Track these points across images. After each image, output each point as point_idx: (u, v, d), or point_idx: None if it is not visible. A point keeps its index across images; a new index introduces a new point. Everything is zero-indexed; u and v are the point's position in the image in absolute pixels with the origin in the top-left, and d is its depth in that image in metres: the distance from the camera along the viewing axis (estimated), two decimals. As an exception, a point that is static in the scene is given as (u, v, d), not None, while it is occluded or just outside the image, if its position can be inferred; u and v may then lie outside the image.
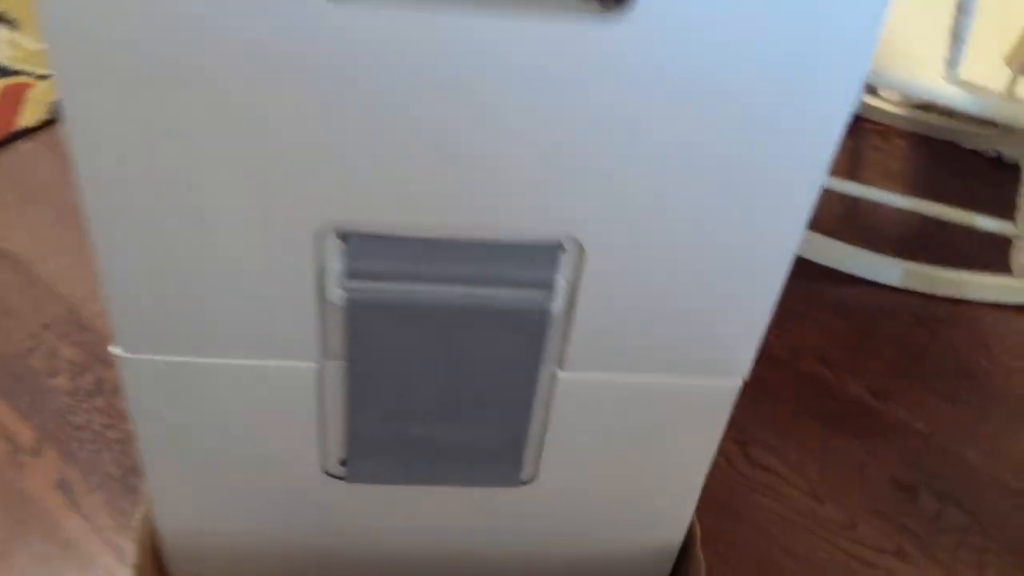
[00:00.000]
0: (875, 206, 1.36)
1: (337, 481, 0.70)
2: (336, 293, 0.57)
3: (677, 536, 0.77)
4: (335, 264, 0.56)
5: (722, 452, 1.04)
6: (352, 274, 0.56)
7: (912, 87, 1.04)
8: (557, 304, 0.59)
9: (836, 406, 1.10)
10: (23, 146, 1.25)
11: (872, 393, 1.12)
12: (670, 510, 0.74)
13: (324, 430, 0.66)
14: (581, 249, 0.56)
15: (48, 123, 1.26)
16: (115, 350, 0.61)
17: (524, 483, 0.71)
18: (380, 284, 0.57)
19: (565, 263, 0.57)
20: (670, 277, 0.58)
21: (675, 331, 0.61)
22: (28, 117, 1.25)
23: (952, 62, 1.00)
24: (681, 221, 0.55)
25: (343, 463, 0.69)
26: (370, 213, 0.53)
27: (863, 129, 1.51)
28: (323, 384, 0.63)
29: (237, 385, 0.63)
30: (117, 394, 0.99)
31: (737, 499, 1.00)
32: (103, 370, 1.01)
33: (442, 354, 0.61)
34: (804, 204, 0.54)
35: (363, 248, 0.55)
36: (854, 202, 1.38)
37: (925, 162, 1.47)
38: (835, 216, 1.36)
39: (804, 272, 1.26)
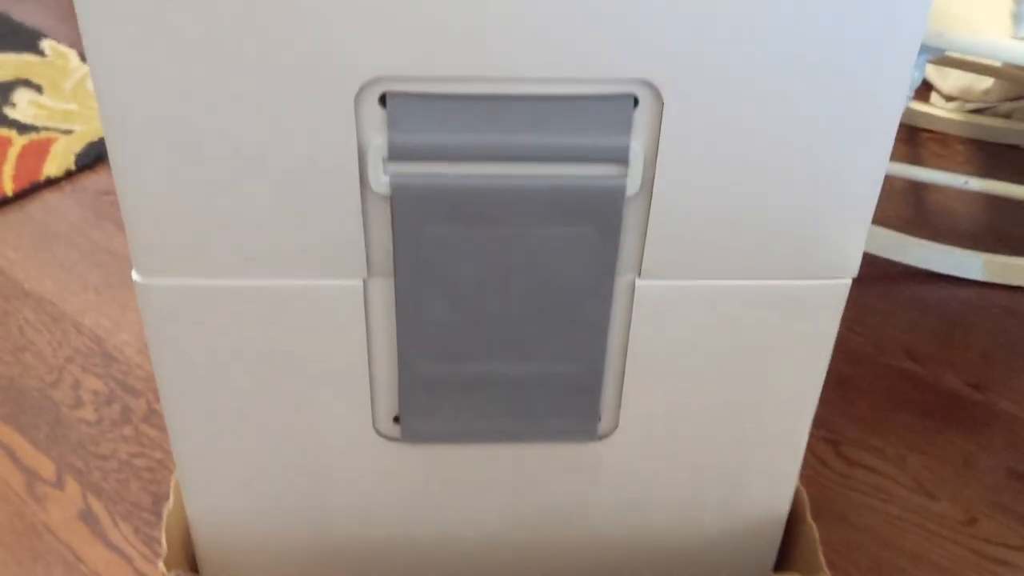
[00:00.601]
0: (945, 203, 1.29)
1: (389, 445, 0.60)
2: (380, 180, 0.50)
3: (784, 500, 0.66)
4: (378, 141, 0.49)
5: (813, 452, 0.94)
6: (396, 153, 0.49)
7: (978, 47, 0.97)
8: (632, 181, 0.51)
9: (933, 399, 0.99)
10: (48, 195, 1.21)
11: (970, 385, 1.01)
12: (775, 464, 0.64)
13: (374, 372, 0.58)
14: (658, 101, 0.48)
15: (71, 174, 1.22)
16: (135, 276, 0.53)
17: (602, 438, 0.61)
18: (427, 165, 0.50)
19: (639, 124, 0.49)
20: (766, 143, 0.50)
21: (773, 219, 0.53)
22: (53, 168, 1.22)
23: (1020, 16, 0.94)
24: (785, 67, 0.47)
25: (396, 420, 0.60)
26: (414, 59, 0.46)
27: (920, 138, 1.44)
28: (370, 309, 0.55)
29: (271, 313, 0.55)
30: (147, 422, 0.91)
31: (839, 501, 0.88)
32: (131, 399, 0.93)
33: (501, 258, 0.52)
34: (908, 57, 0.47)
35: (407, 112, 0.48)
36: (923, 201, 1.30)
37: (987, 164, 1.40)
38: (907, 216, 1.28)
39: (882, 271, 1.18)
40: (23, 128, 1.28)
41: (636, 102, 0.49)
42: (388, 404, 0.59)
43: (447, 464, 0.62)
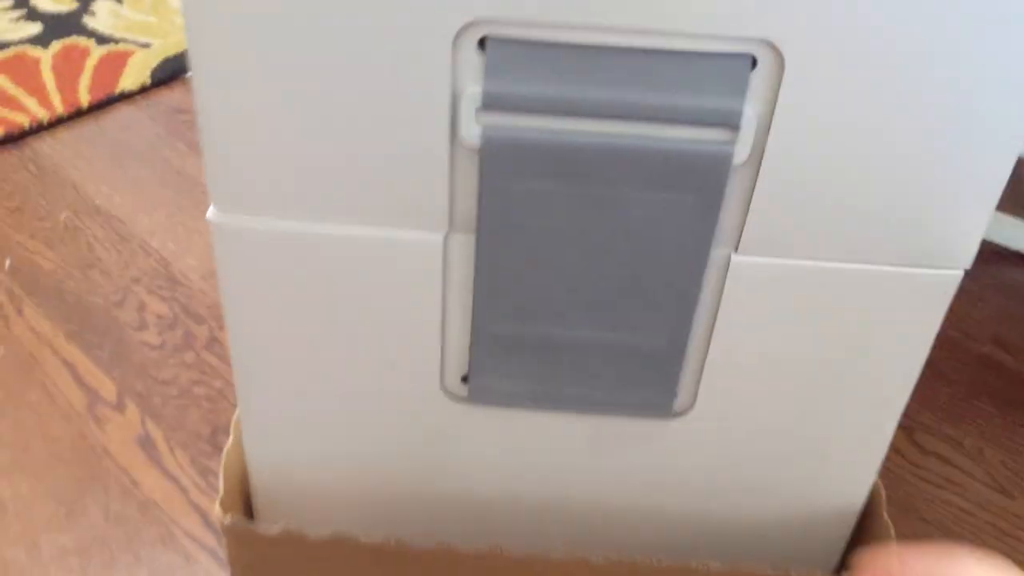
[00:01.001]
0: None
1: (455, 405, 0.58)
2: (471, 130, 0.47)
3: (859, 495, 0.63)
4: (472, 88, 0.46)
5: (886, 438, 0.90)
6: (491, 102, 0.46)
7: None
8: (741, 149, 0.47)
9: (1018, 392, 0.95)
10: (123, 109, 1.20)
11: (1060, 380, 0.96)
12: (856, 457, 0.60)
13: (445, 330, 0.55)
14: (778, 64, 0.44)
15: (148, 88, 1.20)
16: (211, 213, 0.51)
17: (677, 415, 0.59)
18: (523, 118, 0.46)
19: (754, 88, 0.45)
20: (890, 118, 0.46)
21: (886, 200, 0.49)
22: (129, 81, 1.20)
23: None
24: (922, 40, 0.43)
25: (465, 379, 0.58)
26: (520, 1, 0.43)
27: None
28: (448, 265, 0.53)
29: (348, 262, 0.52)
30: (209, 349, 0.91)
31: (910, 491, 0.85)
32: (194, 325, 0.93)
33: (591, 221, 0.49)
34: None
35: (506, 59, 0.45)
36: (1021, 178, 1.23)
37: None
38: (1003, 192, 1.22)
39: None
40: (102, 39, 1.27)
41: (754, 63, 0.45)
42: (458, 363, 0.57)
43: (513, 428, 0.60)
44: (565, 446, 0.61)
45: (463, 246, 0.52)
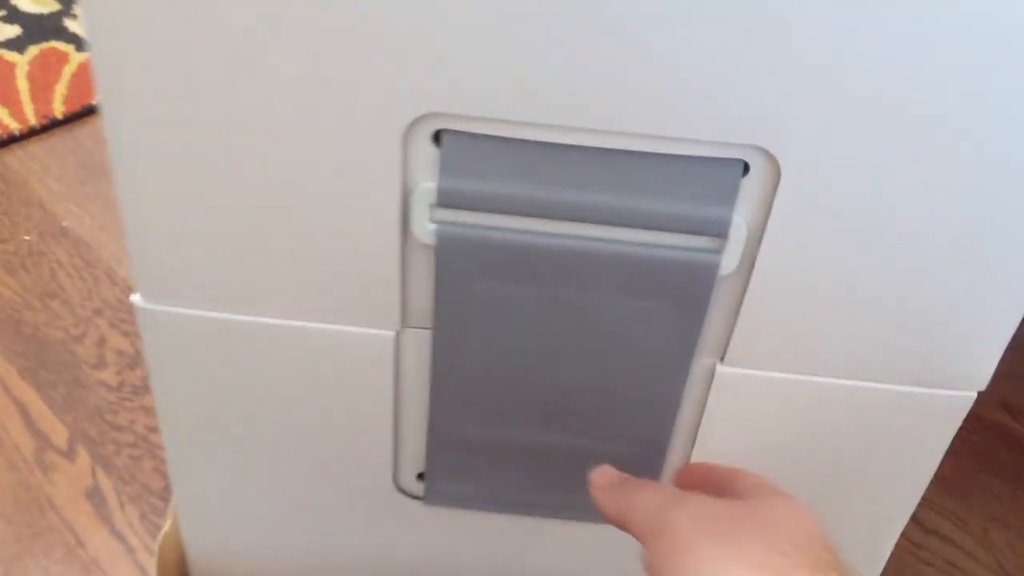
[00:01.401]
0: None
1: (410, 502, 0.53)
2: (424, 227, 0.41)
3: (854, 609, 0.58)
4: (426, 183, 0.40)
5: (884, 513, 0.85)
6: (446, 197, 0.40)
7: None
8: (729, 259, 0.41)
9: (1028, 465, 0.89)
10: (99, 121, 1.14)
11: (1073, 453, 0.91)
12: (856, 567, 0.55)
13: (400, 426, 0.50)
14: (773, 171, 0.39)
15: (127, 100, 1.15)
16: (135, 299, 0.46)
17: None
18: (481, 216, 0.41)
19: (745, 194, 0.40)
20: (896, 232, 0.40)
21: (891, 318, 0.43)
22: (107, 93, 1.15)
23: None
24: (930, 146, 0.37)
25: (421, 476, 0.52)
26: (480, 98, 0.37)
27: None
28: (401, 362, 0.47)
29: (291, 357, 0.47)
30: (168, 393, 0.85)
31: (908, 574, 0.80)
32: (155, 365, 0.87)
33: (557, 324, 0.44)
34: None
35: (462, 153, 0.39)
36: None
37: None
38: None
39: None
40: (82, 44, 1.21)
41: (746, 169, 0.39)
42: (413, 460, 0.52)
43: (470, 529, 0.54)
44: (525, 550, 0.55)
45: (418, 342, 0.46)
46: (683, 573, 0.34)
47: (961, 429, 0.90)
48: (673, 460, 0.50)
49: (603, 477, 0.44)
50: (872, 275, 0.41)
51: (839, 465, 0.50)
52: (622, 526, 0.40)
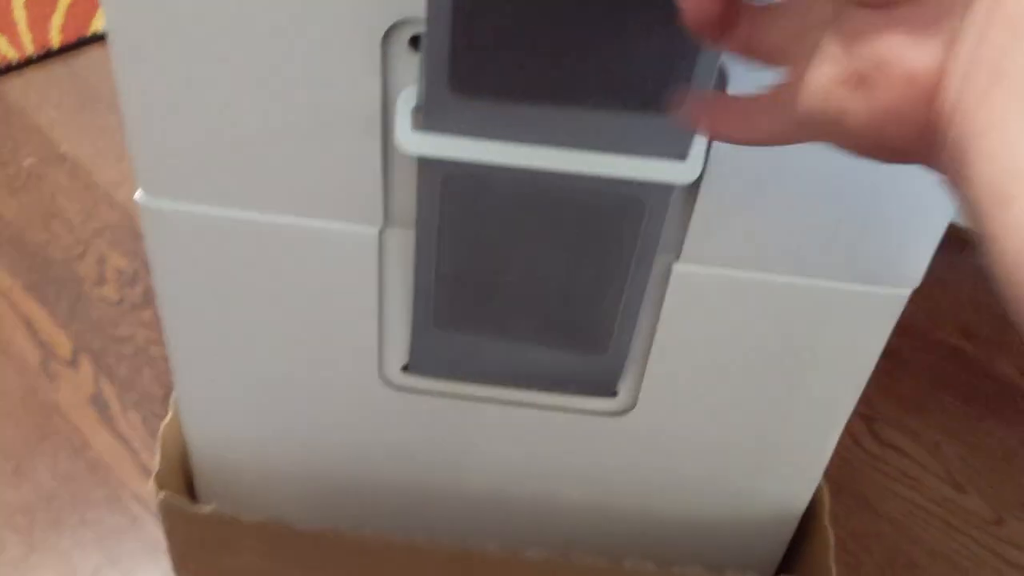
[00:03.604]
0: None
1: (394, 394, 0.58)
2: (406, 134, 0.45)
3: (801, 500, 0.63)
4: (407, 89, 0.44)
5: (846, 428, 0.90)
6: (427, 111, 0.44)
7: None
8: (689, 173, 0.45)
9: (981, 385, 0.94)
10: (94, 52, 1.17)
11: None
12: (798, 463, 0.60)
13: (384, 320, 0.54)
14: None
15: (123, 31, 1.18)
16: (137, 195, 0.50)
17: (618, 413, 0.58)
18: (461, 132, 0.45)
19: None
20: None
21: (831, 215, 0.47)
22: (103, 23, 1.17)
23: None
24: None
25: (405, 368, 0.57)
26: None
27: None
28: (384, 258, 0.51)
29: (281, 251, 0.51)
30: (166, 309, 0.90)
31: (864, 482, 0.85)
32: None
33: (531, 223, 0.48)
34: None
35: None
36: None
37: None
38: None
39: (948, 235, 1.11)
40: (77, -24, 1.24)
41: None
42: (397, 353, 0.56)
43: (454, 416, 0.59)
44: (506, 439, 0.60)
45: (401, 240, 0.51)
46: None
47: (920, 349, 0.95)
48: (635, 352, 0.55)
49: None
50: (811, 173, 0.46)
51: (786, 359, 0.54)
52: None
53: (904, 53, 0.24)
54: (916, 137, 0.25)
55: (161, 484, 0.61)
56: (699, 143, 0.44)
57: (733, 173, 0.46)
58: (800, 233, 0.48)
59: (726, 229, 0.48)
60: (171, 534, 0.64)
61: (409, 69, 0.43)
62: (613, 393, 0.57)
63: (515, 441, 0.60)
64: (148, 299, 0.90)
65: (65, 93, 1.11)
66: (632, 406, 0.57)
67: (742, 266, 0.50)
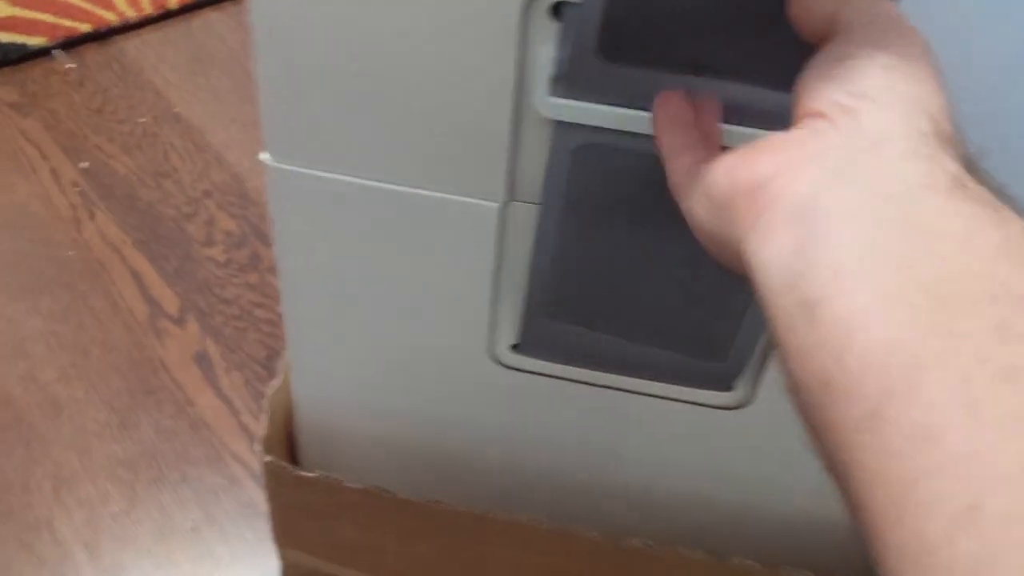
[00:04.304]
0: None
1: (503, 372, 0.57)
2: (543, 102, 0.44)
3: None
4: (545, 56, 0.42)
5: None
6: (566, 74, 0.42)
7: None
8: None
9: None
10: (210, 14, 1.18)
11: None
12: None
13: (498, 298, 0.53)
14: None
15: (238, -6, 1.19)
16: (263, 156, 0.49)
17: (735, 408, 0.56)
18: (599, 100, 0.43)
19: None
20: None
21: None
22: (219, -14, 1.19)
23: None
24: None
25: (515, 347, 0.56)
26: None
27: None
28: (504, 234, 0.50)
29: (401, 221, 0.50)
30: (273, 272, 0.90)
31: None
32: (261, 246, 0.92)
33: (661, 220, 0.46)
34: None
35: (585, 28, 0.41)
36: None
37: None
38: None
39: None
40: (197, -62, 1.25)
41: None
42: (508, 331, 0.55)
43: (561, 398, 0.58)
44: (614, 425, 0.59)
45: (522, 216, 0.49)
46: None
47: None
48: (756, 348, 0.53)
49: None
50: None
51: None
52: None
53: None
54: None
55: (267, 448, 0.61)
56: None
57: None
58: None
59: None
60: (274, 498, 0.64)
61: (549, 37, 0.42)
62: (729, 388, 0.55)
63: (623, 428, 0.59)
64: (254, 262, 0.91)
65: (180, 54, 1.13)
66: (749, 401, 0.55)
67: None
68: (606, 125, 0.43)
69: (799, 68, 0.39)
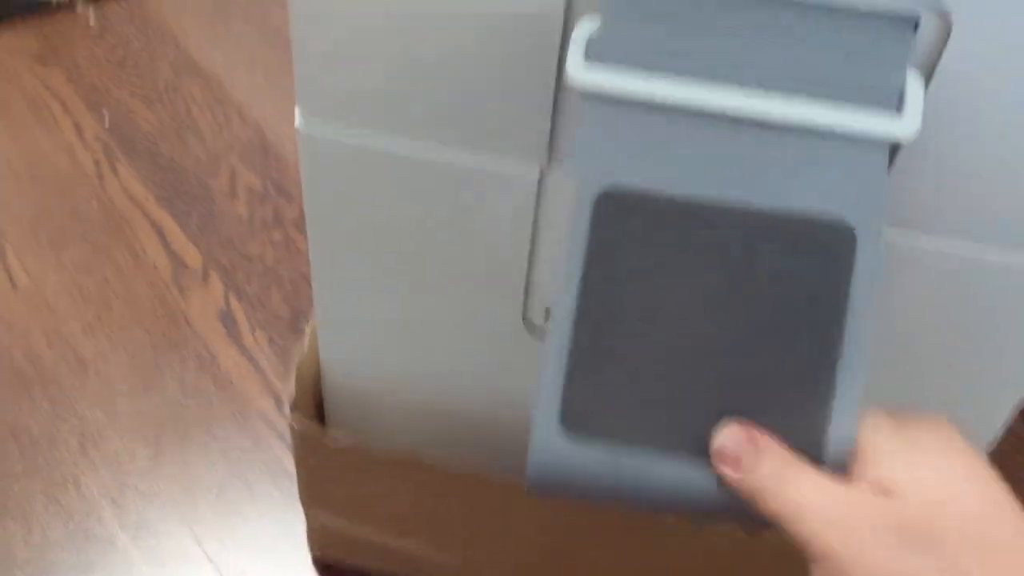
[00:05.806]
0: None
1: (536, 338, 0.56)
2: (579, 71, 0.42)
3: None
4: (585, 26, 0.41)
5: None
6: (602, 43, 0.41)
7: None
8: (906, 126, 0.40)
9: None
10: (231, -36, 1.16)
11: None
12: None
13: (534, 262, 0.52)
14: (944, 29, 0.38)
15: (261, -58, 1.17)
16: (297, 120, 0.48)
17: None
18: (638, 67, 0.41)
19: (918, 54, 0.40)
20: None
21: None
22: (240, -68, 1.16)
23: None
24: None
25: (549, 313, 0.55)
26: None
27: None
28: (542, 199, 0.49)
29: (437, 185, 0.49)
30: (297, 228, 0.89)
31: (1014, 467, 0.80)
32: (284, 202, 0.91)
33: (714, 175, 0.44)
34: None
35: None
36: None
37: None
38: None
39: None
40: None
41: (916, 22, 0.39)
42: (542, 297, 0.54)
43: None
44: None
45: (560, 186, 0.48)
46: None
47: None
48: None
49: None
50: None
51: (976, 337, 0.50)
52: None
53: None
54: None
55: (295, 413, 0.60)
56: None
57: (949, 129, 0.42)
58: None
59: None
60: (301, 461, 0.64)
61: (591, 4, 0.40)
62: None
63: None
64: (278, 219, 0.90)
65: (201, 4, 1.11)
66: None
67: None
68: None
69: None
